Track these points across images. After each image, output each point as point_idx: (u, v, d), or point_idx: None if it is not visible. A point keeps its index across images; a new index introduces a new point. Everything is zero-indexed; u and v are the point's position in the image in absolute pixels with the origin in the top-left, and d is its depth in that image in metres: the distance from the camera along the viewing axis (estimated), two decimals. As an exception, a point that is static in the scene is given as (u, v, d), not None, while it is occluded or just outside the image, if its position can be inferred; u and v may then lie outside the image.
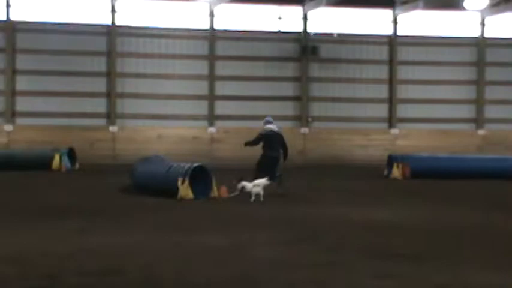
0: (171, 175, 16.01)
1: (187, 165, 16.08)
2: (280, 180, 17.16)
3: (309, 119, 31.67)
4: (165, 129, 30.53)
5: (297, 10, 31.63)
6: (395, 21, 32.26)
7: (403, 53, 32.51)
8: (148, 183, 17.07)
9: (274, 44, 31.62)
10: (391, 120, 32.22)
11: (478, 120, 33.04)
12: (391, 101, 32.40)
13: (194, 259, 8.85)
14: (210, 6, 30.57)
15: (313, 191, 18.69)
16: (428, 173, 22.24)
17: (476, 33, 33.03)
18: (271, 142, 17.18)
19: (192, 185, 15.79)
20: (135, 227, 11.53)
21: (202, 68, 31.02)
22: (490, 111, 33.02)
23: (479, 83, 32.99)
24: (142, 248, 9.63)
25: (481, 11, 31.94)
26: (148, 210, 13.97)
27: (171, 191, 15.70)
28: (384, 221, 12.59)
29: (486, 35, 33.03)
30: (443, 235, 11.16)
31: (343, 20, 32.14)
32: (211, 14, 30.87)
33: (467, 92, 33.05)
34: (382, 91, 32.41)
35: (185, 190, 15.66)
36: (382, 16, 32.36)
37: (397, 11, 32.01)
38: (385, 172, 23.42)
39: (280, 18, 31.68)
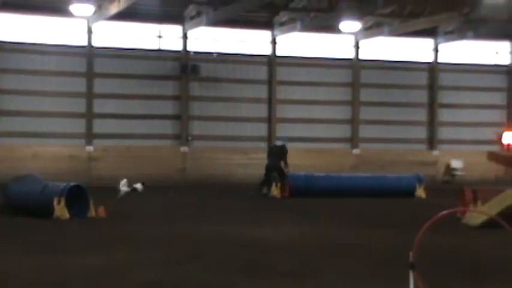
0: (46, 194, 15.54)
1: (63, 185, 15.66)
2: (270, 184, 22.15)
3: (189, 138, 31.64)
4: (41, 147, 29.61)
5: (177, 29, 31.61)
6: (274, 42, 32.85)
7: (282, 73, 33.11)
8: (22, 203, 16.48)
9: (154, 62, 31.43)
10: (270, 139, 32.69)
11: (353, 140, 34.08)
12: (270, 120, 32.89)
13: (69, 282, 8.59)
14: (88, 22, 30.04)
15: (193, 209, 18.65)
16: (306, 192, 22.69)
17: (351, 55, 34.15)
18: (270, 154, 22.85)
19: (69, 204, 15.39)
20: (5, 249, 11.08)
21: (80, 85, 30.35)
22: (364, 131, 34.14)
23: (354, 103, 34.06)
24: (12, 271, 9.24)
25: (355, 34, 33.06)
26: (21, 230, 13.48)
27: (47, 211, 15.23)
28: (263, 239, 12.73)
29: (360, 57, 34.22)
30: (322, 252, 11.41)
31: (224, 40, 32.40)
32: (90, 31, 30.32)
33: (343, 112, 34.04)
34: (262, 110, 32.86)
35: (61, 210, 15.26)
36: (262, 37, 32.88)
37: (275, 32, 32.61)
38: (264, 191, 23.70)
39: (160, 36, 31.55)
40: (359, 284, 8.73)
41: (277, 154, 22.40)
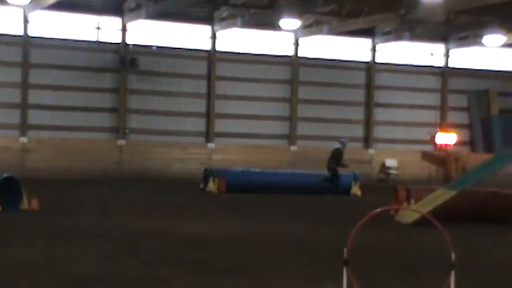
0: (-23, 187, 15.18)
1: (-5, 176, 15.33)
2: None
3: (126, 131, 31.34)
4: (-27, 138, 28.93)
5: (116, 21, 31.23)
6: (214, 37, 32.79)
7: (222, 69, 33.08)
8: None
9: (92, 54, 30.98)
10: (208, 135, 32.66)
11: (291, 137, 34.32)
12: (209, 115, 32.84)
13: (2, 277, 8.42)
14: (24, 11, 29.39)
15: (128, 204, 18.49)
16: (243, 187, 22.76)
17: (290, 52, 34.36)
18: (331, 155, 23.24)
19: (1, 196, 15.07)
20: None
21: (16, 75, 29.71)
22: (302, 128, 34.42)
23: (292, 100, 34.30)
24: None
25: (295, 31, 33.30)
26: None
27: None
28: (201, 234, 12.72)
29: (299, 54, 34.47)
30: (259, 247, 11.47)
31: (163, 34, 32.18)
32: (26, 20, 29.68)
33: (281, 109, 34.25)
34: (201, 105, 32.78)
35: (-7, 202, 14.92)
36: (202, 32, 32.78)
37: (216, 27, 32.57)
38: (201, 186, 23.69)
39: (99, 28, 31.12)
40: (294, 280, 8.82)
41: (332, 156, 23.09)
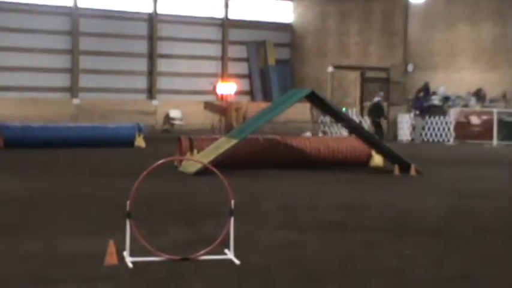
0: None
1: None
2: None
3: None
4: None
5: None
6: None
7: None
8: None
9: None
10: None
11: (73, 89, 33.45)
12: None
13: None
14: None
15: None
16: (22, 143, 21.85)
17: (69, 3, 33.22)
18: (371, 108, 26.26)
19: None
20: None
21: None
22: (84, 81, 33.65)
23: (73, 52, 33.35)
24: None
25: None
26: None
27: None
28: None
29: (79, 5, 33.45)
30: (38, 205, 11.16)
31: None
32: None
33: (62, 61, 33.18)
34: None
35: None
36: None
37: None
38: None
39: None
40: (77, 235, 8.71)
41: (374, 109, 25.58)
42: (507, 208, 11.79)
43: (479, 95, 31.00)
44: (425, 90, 30.92)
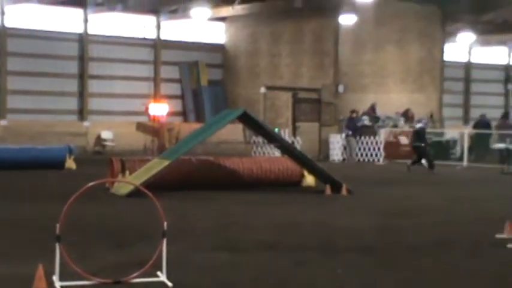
0: None
1: None
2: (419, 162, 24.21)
3: None
4: None
5: None
6: None
7: None
8: None
9: None
10: None
11: (0, 111, 32.74)
12: None
13: None
14: None
15: None
16: None
17: (-4, 22, 32.62)
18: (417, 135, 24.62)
19: None
20: None
21: None
22: (12, 102, 33.00)
23: (0, 72, 32.71)
24: None
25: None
26: None
27: None
28: None
29: (6, 25, 32.86)
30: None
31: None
32: None
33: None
34: None
35: None
36: None
37: None
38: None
39: None
40: (5, 259, 8.50)
41: (419, 136, 24.39)
42: (430, 226, 12.07)
43: (407, 115, 31.72)
44: (372, 110, 31.53)
